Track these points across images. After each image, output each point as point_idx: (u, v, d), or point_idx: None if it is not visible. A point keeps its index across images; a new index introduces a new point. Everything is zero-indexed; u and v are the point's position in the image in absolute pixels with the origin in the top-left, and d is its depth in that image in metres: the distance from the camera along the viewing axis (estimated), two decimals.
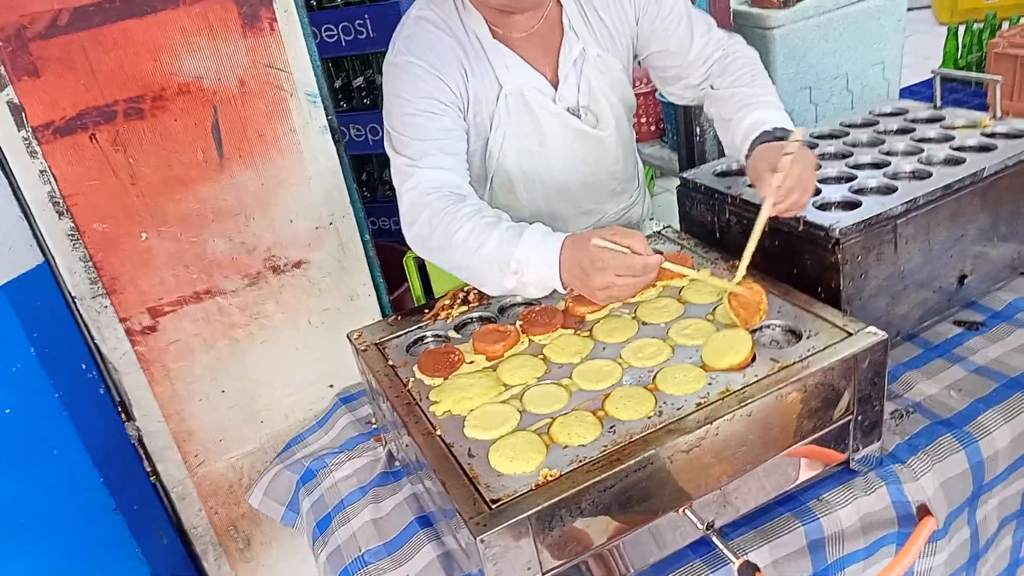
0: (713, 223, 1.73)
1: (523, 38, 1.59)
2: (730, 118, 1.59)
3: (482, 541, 1.03)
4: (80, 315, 1.78)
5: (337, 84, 3.70)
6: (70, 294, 1.75)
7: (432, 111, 1.52)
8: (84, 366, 1.82)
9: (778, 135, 1.48)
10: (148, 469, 1.96)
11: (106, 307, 1.78)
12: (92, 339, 1.81)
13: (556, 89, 1.64)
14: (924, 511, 1.29)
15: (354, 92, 3.67)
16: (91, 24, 1.59)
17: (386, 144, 1.57)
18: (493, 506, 1.07)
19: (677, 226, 1.82)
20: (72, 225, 1.69)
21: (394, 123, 1.54)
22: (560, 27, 1.61)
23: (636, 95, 1.85)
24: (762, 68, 1.67)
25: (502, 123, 1.63)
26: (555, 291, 1.43)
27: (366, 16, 3.34)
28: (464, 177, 1.54)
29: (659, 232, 1.74)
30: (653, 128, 3.87)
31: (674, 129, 3.25)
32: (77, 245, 1.71)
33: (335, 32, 3.42)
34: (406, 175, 1.51)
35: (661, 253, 1.39)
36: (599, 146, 1.73)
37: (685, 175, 1.81)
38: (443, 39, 1.56)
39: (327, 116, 1.86)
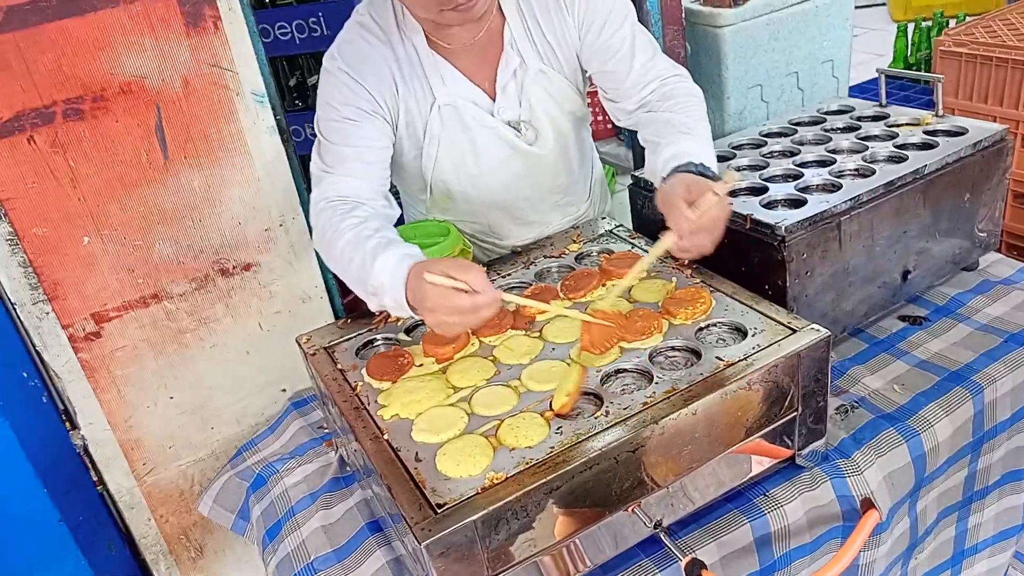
0: (664, 221, 1.74)
1: (461, 49, 1.57)
2: (658, 141, 1.48)
3: (427, 547, 1.02)
4: (20, 321, 1.73)
5: (292, 83, 3.65)
6: (9, 300, 1.70)
7: (355, 119, 1.51)
8: (25, 374, 1.77)
9: (702, 172, 1.37)
10: (95, 478, 1.91)
11: (48, 313, 1.73)
12: (33, 346, 1.76)
13: (494, 102, 1.63)
14: (868, 504, 1.31)
15: (309, 91, 3.62)
16: (27, 24, 1.54)
17: (313, 148, 1.57)
18: (439, 511, 1.07)
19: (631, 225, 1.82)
20: (10, 229, 1.64)
21: (320, 128, 1.55)
22: (501, 40, 1.58)
23: (590, 92, 1.82)
24: (703, 104, 1.56)
25: (435, 135, 1.61)
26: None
27: (320, 14, 3.30)
28: (378, 187, 1.52)
29: (610, 231, 1.74)
30: (610, 126, 3.89)
31: None
32: (16, 250, 1.66)
33: (289, 30, 3.38)
34: (317, 180, 1.52)
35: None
36: (537, 162, 1.71)
37: (637, 173, 1.82)
38: (377, 48, 1.54)
39: (275, 116, 1.82)
